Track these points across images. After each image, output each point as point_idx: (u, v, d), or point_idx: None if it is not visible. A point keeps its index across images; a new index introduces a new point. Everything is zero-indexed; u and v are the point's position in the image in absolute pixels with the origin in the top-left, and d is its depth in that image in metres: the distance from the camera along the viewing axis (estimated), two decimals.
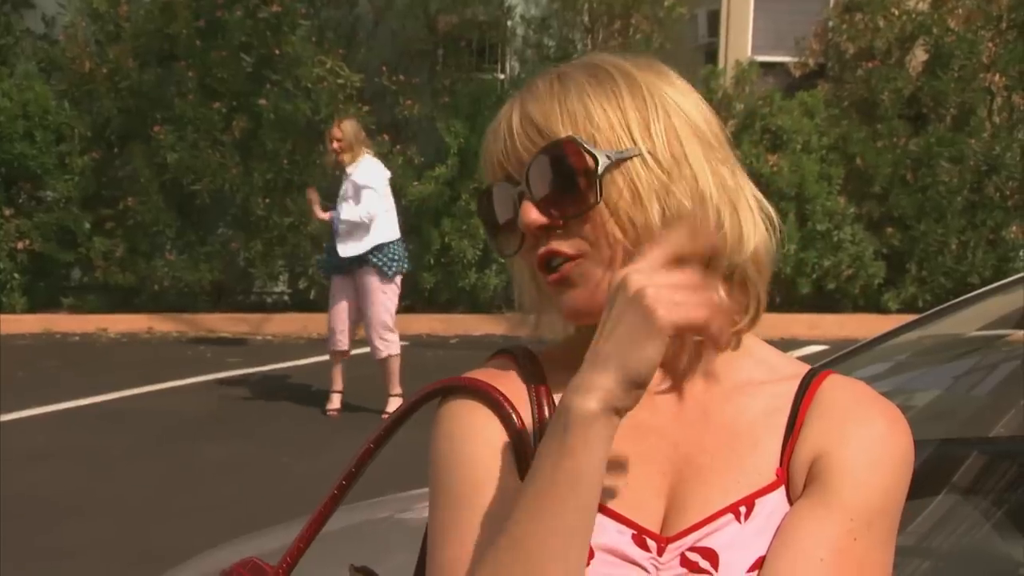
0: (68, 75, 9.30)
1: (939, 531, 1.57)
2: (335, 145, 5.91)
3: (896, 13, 9.56)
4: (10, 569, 3.92)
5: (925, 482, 1.74)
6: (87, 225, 9.21)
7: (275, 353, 8.11)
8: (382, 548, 2.07)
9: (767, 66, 9.95)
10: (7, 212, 9.12)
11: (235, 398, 6.68)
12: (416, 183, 8.75)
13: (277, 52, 8.89)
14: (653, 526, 0.87)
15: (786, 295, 9.49)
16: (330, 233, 6.07)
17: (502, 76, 9.83)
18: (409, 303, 5.88)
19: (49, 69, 9.59)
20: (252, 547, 2.11)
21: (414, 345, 8.20)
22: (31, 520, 4.41)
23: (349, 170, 5.89)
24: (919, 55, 9.67)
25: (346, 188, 5.88)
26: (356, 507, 2.37)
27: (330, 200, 6.17)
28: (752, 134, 9.39)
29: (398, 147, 8.86)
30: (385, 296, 5.90)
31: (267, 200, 9.08)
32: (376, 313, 5.87)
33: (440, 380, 0.98)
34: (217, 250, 9.32)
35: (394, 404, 5.89)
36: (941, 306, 2.21)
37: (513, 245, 0.92)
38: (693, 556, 0.85)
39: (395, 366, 6.00)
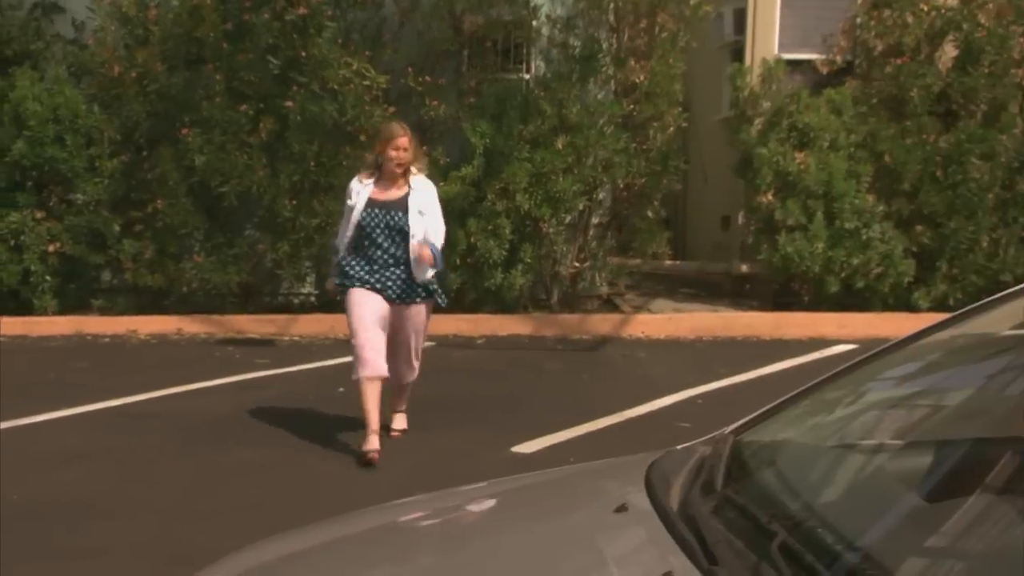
0: (98, 79, 9.39)
1: (973, 532, 1.55)
2: (403, 154, 5.31)
3: (925, 9, 9.44)
4: (41, 568, 3.96)
5: (958, 482, 1.72)
6: (117, 227, 9.29)
7: (302, 354, 8.14)
8: (408, 549, 2.07)
9: (794, 64, 9.88)
10: (39, 215, 9.23)
11: (263, 399, 6.71)
12: (442, 183, 8.76)
13: (304, 54, 8.92)
14: None
15: (814, 294, 9.42)
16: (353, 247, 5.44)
17: (527, 76, 9.82)
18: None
19: (79, 73, 9.69)
20: (280, 548, 2.12)
21: (441, 346, 8.22)
22: (62, 520, 4.45)
23: (415, 183, 5.37)
24: (949, 51, 9.56)
25: (413, 203, 5.32)
26: (382, 508, 2.37)
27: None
28: (779, 132, 9.32)
29: (424, 148, 8.86)
30: (428, 323, 5.62)
31: (294, 202, 9.12)
32: (421, 337, 5.57)
33: None
34: (245, 252, 9.37)
35: (400, 419, 5.76)
36: (973, 305, 2.18)
37: None
38: None
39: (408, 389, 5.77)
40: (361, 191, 5.37)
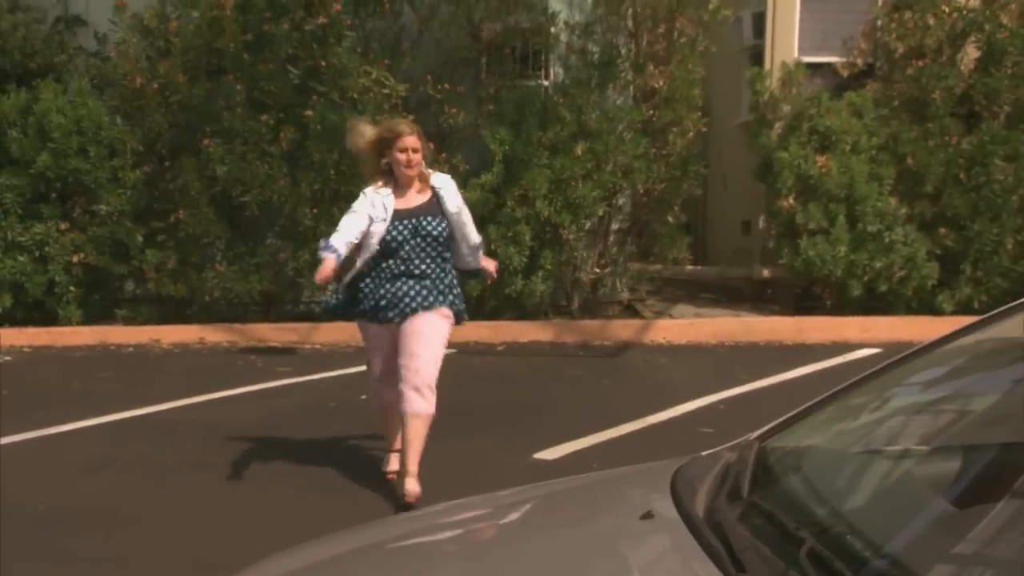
0: (120, 91, 9.46)
1: (1002, 538, 1.54)
2: (414, 156, 4.67)
3: (947, 10, 9.38)
4: (66, 575, 3.99)
5: (986, 488, 1.70)
6: (140, 237, 9.35)
7: (324, 362, 8.17)
8: (432, 558, 2.07)
9: (814, 67, 9.84)
10: (63, 226, 9.30)
11: (285, 407, 6.74)
12: (462, 191, 8.76)
13: (323, 64, 8.96)
14: None
15: (837, 298, 9.36)
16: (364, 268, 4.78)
17: (546, 83, 9.83)
18: None
19: (102, 85, 9.77)
20: (303, 558, 2.12)
21: (461, 353, 8.22)
22: (88, 529, 4.48)
23: (437, 182, 4.80)
24: (971, 52, 9.49)
25: (448, 205, 4.77)
26: (405, 517, 2.37)
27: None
28: (800, 135, 9.28)
29: (443, 155, 8.90)
30: (446, 340, 4.78)
31: (314, 210, 9.16)
32: (436, 358, 4.65)
33: None
34: (266, 261, 9.42)
35: (412, 483, 4.65)
36: (999, 309, 2.17)
37: None
38: None
39: (427, 429, 4.70)
40: (385, 201, 4.68)
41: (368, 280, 4.74)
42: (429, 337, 4.64)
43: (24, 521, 4.53)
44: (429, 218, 4.70)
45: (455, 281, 4.85)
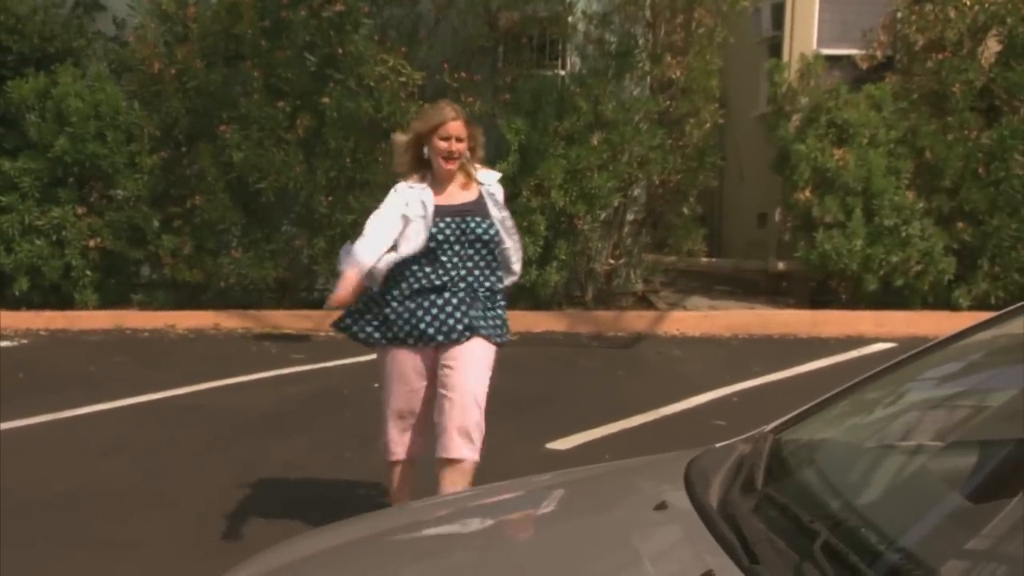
0: (138, 76, 9.49)
1: (1015, 533, 1.53)
2: (457, 145, 3.78)
3: (968, 3, 9.31)
4: (83, 560, 4.02)
5: (1001, 483, 1.70)
6: (156, 223, 9.39)
7: (338, 349, 8.18)
8: (443, 546, 2.08)
9: (833, 59, 9.78)
10: (80, 211, 9.35)
11: (299, 394, 6.77)
12: None
13: (340, 51, 8.97)
14: None
15: (852, 292, 9.32)
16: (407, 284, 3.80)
17: (563, 72, 9.80)
18: None
19: (120, 70, 9.81)
20: (313, 544, 2.13)
21: None
22: (102, 512, 4.51)
23: (484, 178, 3.93)
24: (992, 46, 9.42)
25: (492, 205, 3.89)
26: (417, 505, 2.38)
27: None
28: (817, 128, 9.23)
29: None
30: (490, 371, 3.82)
31: (330, 198, 9.17)
32: (482, 393, 3.74)
33: None
34: (281, 247, 9.44)
35: None
36: (1016, 305, 2.15)
37: None
38: None
39: (471, 477, 3.70)
40: (424, 197, 3.79)
41: (397, 293, 3.80)
42: (479, 371, 3.76)
43: (39, 504, 4.56)
44: (478, 219, 3.80)
45: (503, 298, 3.95)
